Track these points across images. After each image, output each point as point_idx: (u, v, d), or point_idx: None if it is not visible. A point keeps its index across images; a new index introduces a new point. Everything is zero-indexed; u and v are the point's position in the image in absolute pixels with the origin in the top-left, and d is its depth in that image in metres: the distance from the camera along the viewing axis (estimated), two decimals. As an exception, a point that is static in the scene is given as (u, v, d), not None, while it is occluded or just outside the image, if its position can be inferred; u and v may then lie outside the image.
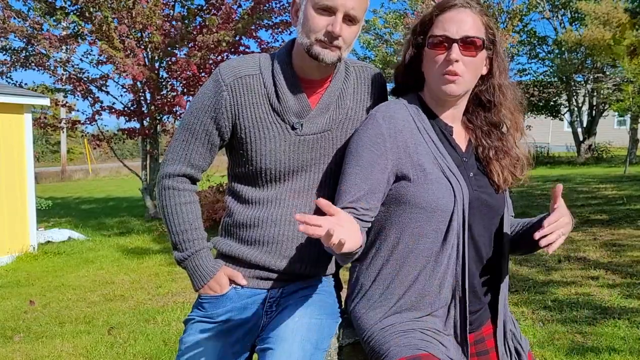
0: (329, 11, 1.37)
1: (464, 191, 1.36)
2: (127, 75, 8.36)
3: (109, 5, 8.40)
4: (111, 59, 8.36)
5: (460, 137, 1.47)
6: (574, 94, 20.30)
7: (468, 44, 1.34)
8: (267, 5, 9.18)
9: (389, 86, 1.60)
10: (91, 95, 9.63)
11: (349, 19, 1.39)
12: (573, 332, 3.46)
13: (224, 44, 8.57)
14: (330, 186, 1.53)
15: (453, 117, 1.45)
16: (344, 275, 1.58)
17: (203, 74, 8.74)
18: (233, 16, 8.76)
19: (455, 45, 1.33)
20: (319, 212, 1.51)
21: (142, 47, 8.97)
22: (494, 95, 1.44)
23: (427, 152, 1.38)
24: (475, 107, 1.47)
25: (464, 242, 1.36)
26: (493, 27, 1.40)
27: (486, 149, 1.45)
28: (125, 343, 3.70)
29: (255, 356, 1.52)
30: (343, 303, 1.61)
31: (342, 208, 1.32)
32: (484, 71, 1.43)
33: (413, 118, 1.41)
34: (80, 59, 9.97)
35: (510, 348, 1.48)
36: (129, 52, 8.47)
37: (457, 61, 1.33)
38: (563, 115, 22.15)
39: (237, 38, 9.05)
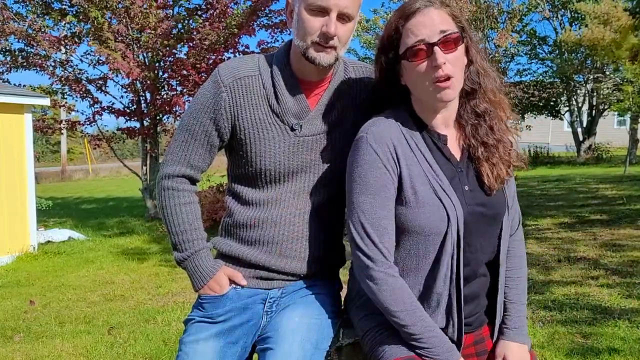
0: (323, 12, 1.36)
1: (458, 212, 1.32)
2: (124, 75, 8.36)
3: (105, 5, 8.38)
4: (108, 58, 8.35)
5: (454, 145, 1.42)
6: (574, 94, 20.30)
7: (448, 42, 1.28)
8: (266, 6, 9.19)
9: None
10: (90, 96, 9.62)
11: (343, 17, 1.38)
12: (573, 332, 3.46)
13: (220, 43, 8.56)
14: (330, 187, 1.53)
15: (445, 122, 1.39)
16: (344, 275, 1.58)
17: (203, 74, 8.74)
18: (228, 12, 8.73)
19: (436, 49, 1.26)
20: (318, 211, 1.52)
21: (141, 47, 8.96)
22: (476, 82, 1.38)
23: (419, 173, 1.33)
24: (461, 99, 1.41)
25: (458, 262, 1.33)
26: (458, 15, 1.34)
27: (475, 148, 1.40)
28: (125, 343, 3.70)
29: (255, 356, 1.53)
30: (343, 303, 1.61)
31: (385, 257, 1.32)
32: (465, 61, 1.37)
33: (404, 135, 1.36)
34: (80, 59, 9.97)
35: None
36: (123, 51, 8.46)
37: (444, 63, 1.26)
38: (563, 115, 22.16)
39: (236, 38, 9.03)
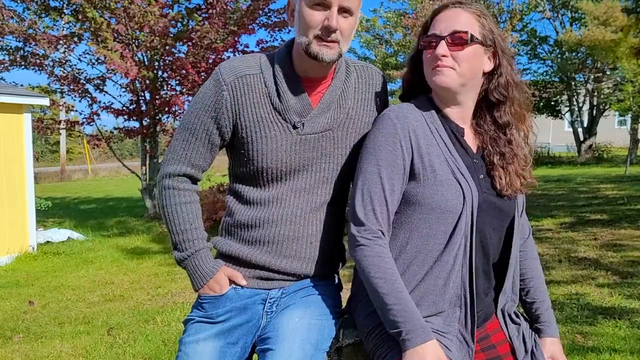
0: (324, 5, 1.36)
1: (474, 193, 1.37)
2: (123, 75, 8.34)
3: (104, 5, 8.37)
4: (106, 59, 8.34)
5: (471, 139, 1.47)
6: (575, 93, 20.31)
7: (455, 39, 1.37)
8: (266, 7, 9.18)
9: (391, 86, 1.61)
10: (88, 95, 9.61)
11: (344, 11, 1.38)
12: (573, 332, 3.45)
13: (220, 41, 8.54)
14: (331, 185, 1.52)
15: (462, 117, 1.46)
16: (345, 275, 1.57)
17: (203, 74, 8.73)
18: (227, 10, 8.72)
19: (442, 42, 1.36)
20: (319, 210, 1.51)
21: (140, 46, 8.95)
22: (502, 93, 1.44)
23: (438, 154, 1.39)
24: (482, 110, 1.47)
25: (472, 243, 1.37)
26: (490, 25, 1.41)
27: (492, 155, 1.45)
28: (124, 343, 3.69)
29: (255, 356, 1.52)
30: (347, 302, 1.60)
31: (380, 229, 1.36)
32: (487, 68, 1.43)
33: (425, 119, 1.42)
34: (79, 59, 9.96)
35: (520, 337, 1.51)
36: (120, 51, 8.45)
37: (444, 56, 1.36)
38: (564, 115, 22.17)
39: (236, 37, 9.02)
